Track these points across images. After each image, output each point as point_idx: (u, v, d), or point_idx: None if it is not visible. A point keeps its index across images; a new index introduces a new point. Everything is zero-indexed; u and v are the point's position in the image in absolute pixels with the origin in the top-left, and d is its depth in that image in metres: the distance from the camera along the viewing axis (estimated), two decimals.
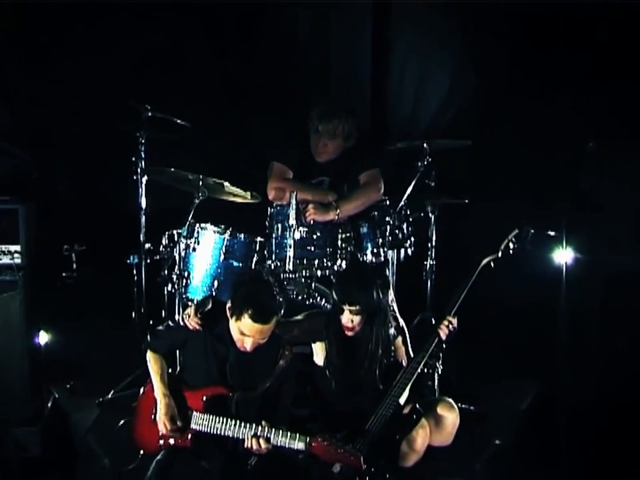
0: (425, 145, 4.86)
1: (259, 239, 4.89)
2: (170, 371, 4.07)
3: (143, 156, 5.09)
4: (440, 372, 4.52)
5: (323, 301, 4.79)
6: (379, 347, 4.04)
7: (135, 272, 5.18)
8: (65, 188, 5.83)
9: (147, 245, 5.15)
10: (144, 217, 5.15)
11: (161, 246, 5.02)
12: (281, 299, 3.84)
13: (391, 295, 4.26)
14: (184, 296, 4.89)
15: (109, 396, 4.91)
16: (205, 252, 4.89)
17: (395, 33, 6.16)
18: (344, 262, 4.79)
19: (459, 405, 4.17)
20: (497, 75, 5.83)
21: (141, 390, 4.10)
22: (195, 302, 4.41)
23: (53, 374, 5.00)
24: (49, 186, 5.62)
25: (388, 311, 4.12)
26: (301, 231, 4.67)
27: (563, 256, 4.81)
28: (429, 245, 5.14)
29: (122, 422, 4.48)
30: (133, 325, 5.27)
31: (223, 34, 6.06)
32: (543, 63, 5.66)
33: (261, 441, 3.72)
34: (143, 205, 5.15)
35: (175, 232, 4.91)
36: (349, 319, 3.98)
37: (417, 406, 3.95)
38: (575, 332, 5.03)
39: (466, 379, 5.00)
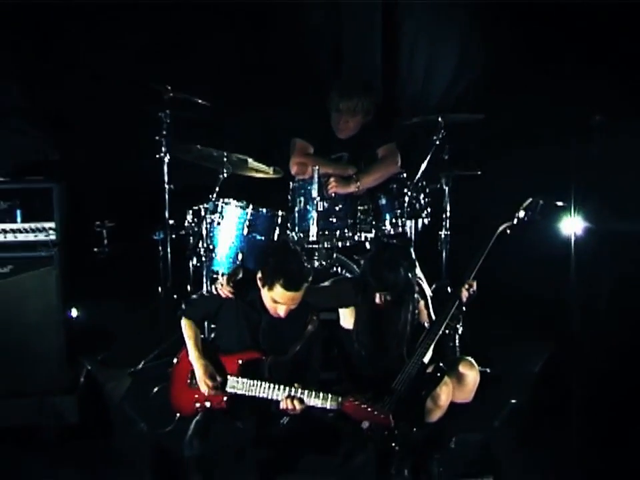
0: (439, 119, 4.99)
1: (280, 212, 5.03)
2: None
3: (166, 135, 5.23)
4: (460, 333, 4.71)
5: (344, 271, 4.98)
6: (407, 328, 4.22)
7: (160, 247, 5.35)
8: (90, 168, 5.93)
9: (171, 222, 5.31)
10: (168, 195, 5.31)
11: (186, 221, 5.17)
12: (309, 266, 4.04)
13: (418, 270, 4.40)
14: (210, 269, 5.05)
15: (140, 366, 5.07)
16: (229, 226, 5.02)
17: (404, 9, 6.26)
18: (363, 233, 4.96)
19: None
20: (505, 50, 5.92)
21: (175, 359, 4.29)
22: (227, 272, 4.58)
23: (85, 345, 5.11)
24: (71, 166, 5.74)
25: (415, 291, 4.28)
26: (323, 204, 4.85)
27: (572, 225, 4.92)
28: (444, 215, 5.25)
29: (156, 389, 4.65)
30: (159, 298, 5.44)
31: (239, 16, 6.16)
32: (551, 37, 5.74)
33: (295, 401, 3.92)
34: (167, 182, 5.30)
35: (201, 207, 5.07)
36: (381, 300, 4.17)
37: (441, 364, 4.16)
38: (586, 298, 5.17)
39: (482, 344, 5.11)
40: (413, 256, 4.30)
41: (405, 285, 4.16)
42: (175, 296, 5.37)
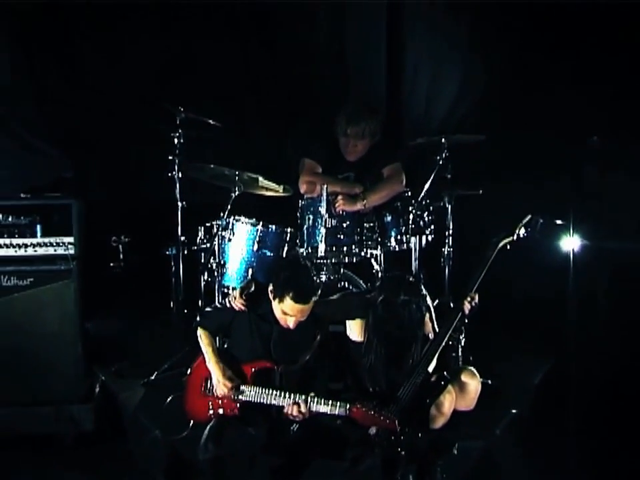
0: (443, 140, 5.16)
1: (289, 229, 5.20)
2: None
3: (179, 154, 5.36)
4: (463, 344, 4.87)
5: (351, 285, 5.15)
6: (420, 362, 4.32)
7: (173, 262, 5.47)
8: (107, 185, 6.11)
9: (183, 238, 5.42)
10: (180, 212, 5.42)
11: (198, 238, 5.36)
12: (318, 281, 4.22)
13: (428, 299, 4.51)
14: (221, 284, 5.21)
15: (153, 377, 5.17)
16: (240, 242, 5.20)
17: (408, 33, 6.41)
18: (369, 249, 5.14)
19: None
20: (505, 72, 6.08)
21: (189, 369, 4.47)
22: (239, 285, 4.74)
23: (100, 357, 5.27)
24: (89, 183, 5.92)
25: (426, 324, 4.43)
26: (331, 221, 5.03)
27: (570, 243, 5.05)
28: (446, 233, 5.37)
29: (170, 398, 4.73)
30: (171, 312, 5.58)
31: (246, 38, 6.34)
32: (552, 59, 5.90)
33: (302, 407, 4.08)
34: (180, 200, 5.42)
35: (213, 224, 5.24)
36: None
37: (444, 374, 4.32)
38: (584, 313, 5.30)
39: (483, 355, 5.22)
40: (424, 290, 4.43)
41: (418, 322, 4.32)
42: (186, 310, 5.51)
